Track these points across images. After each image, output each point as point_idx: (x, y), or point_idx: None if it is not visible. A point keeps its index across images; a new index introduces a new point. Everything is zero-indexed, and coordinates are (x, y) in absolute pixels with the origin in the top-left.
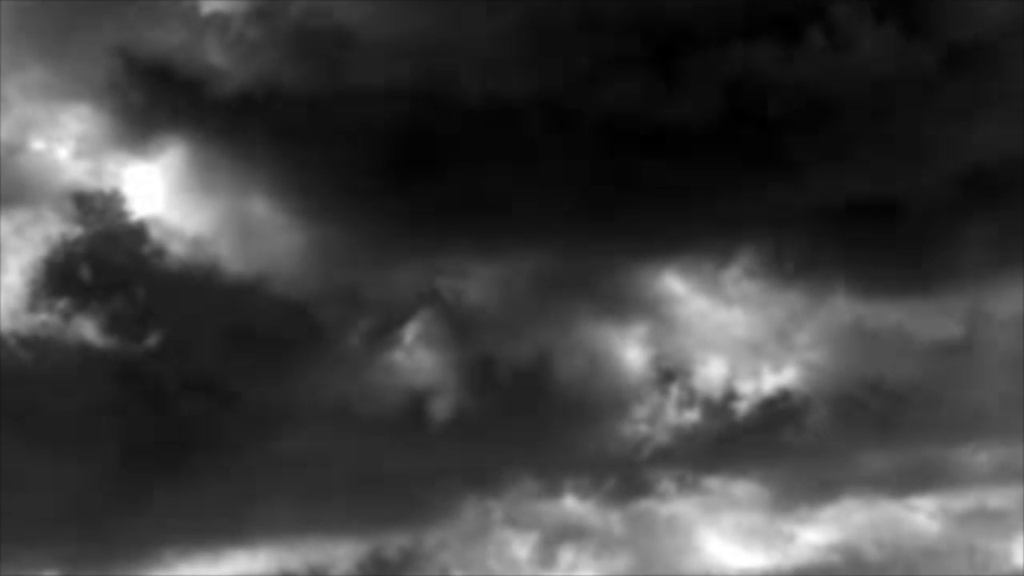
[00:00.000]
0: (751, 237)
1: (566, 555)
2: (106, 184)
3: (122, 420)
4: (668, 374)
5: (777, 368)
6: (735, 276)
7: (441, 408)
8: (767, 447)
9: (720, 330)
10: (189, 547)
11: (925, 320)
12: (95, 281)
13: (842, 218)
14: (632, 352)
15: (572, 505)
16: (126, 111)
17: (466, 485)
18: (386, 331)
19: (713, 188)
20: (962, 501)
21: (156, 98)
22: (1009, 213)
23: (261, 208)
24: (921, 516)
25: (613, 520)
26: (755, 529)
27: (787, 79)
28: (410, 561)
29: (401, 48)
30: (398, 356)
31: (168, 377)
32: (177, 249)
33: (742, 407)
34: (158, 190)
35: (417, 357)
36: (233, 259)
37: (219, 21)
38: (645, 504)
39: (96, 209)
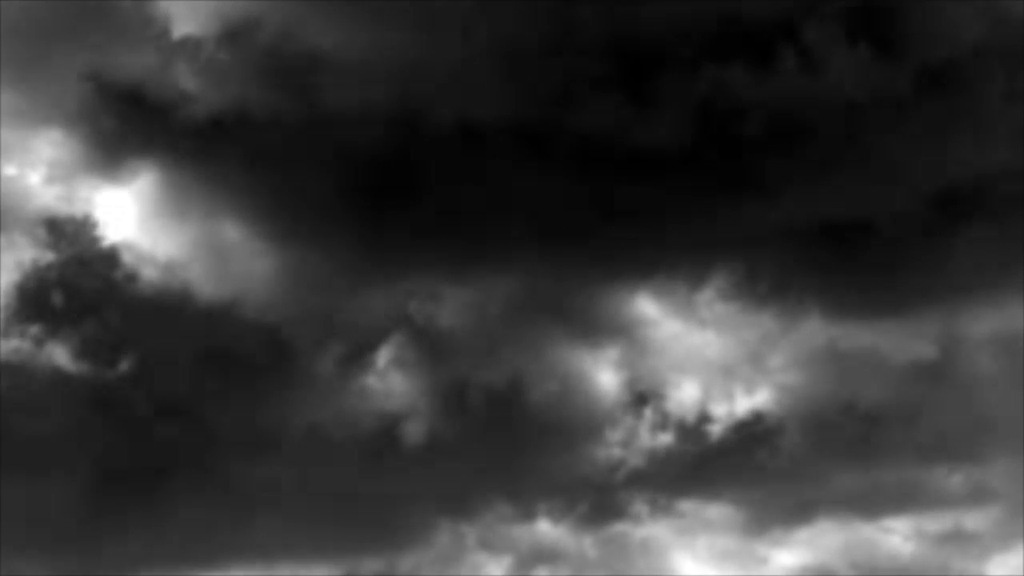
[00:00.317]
0: (724, 259)
1: None
2: (78, 209)
3: (95, 445)
4: (642, 397)
5: (751, 390)
6: (708, 299)
7: (414, 432)
8: (741, 470)
9: (693, 353)
10: (163, 571)
11: (899, 342)
12: (67, 306)
13: (815, 240)
14: (605, 375)
15: (546, 529)
16: (98, 136)
17: (440, 509)
18: (359, 355)
19: (686, 210)
20: (936, 523)
21: (128, 123)
22: (982, 234)
23: (233, 232)
24: (895, 538)
25: (587, 543)
26: (729, 552)
27: (760, 101)
28: None
29: (373, 72)
30: (371, 380)
31: (141, 402)
32: (149, 274)
33: (716, 430)
34: (130, 215)
35: (390, 381)
36: (205, 283)
37: (190, 46)
38: (619, 527)
39: (68, 234)
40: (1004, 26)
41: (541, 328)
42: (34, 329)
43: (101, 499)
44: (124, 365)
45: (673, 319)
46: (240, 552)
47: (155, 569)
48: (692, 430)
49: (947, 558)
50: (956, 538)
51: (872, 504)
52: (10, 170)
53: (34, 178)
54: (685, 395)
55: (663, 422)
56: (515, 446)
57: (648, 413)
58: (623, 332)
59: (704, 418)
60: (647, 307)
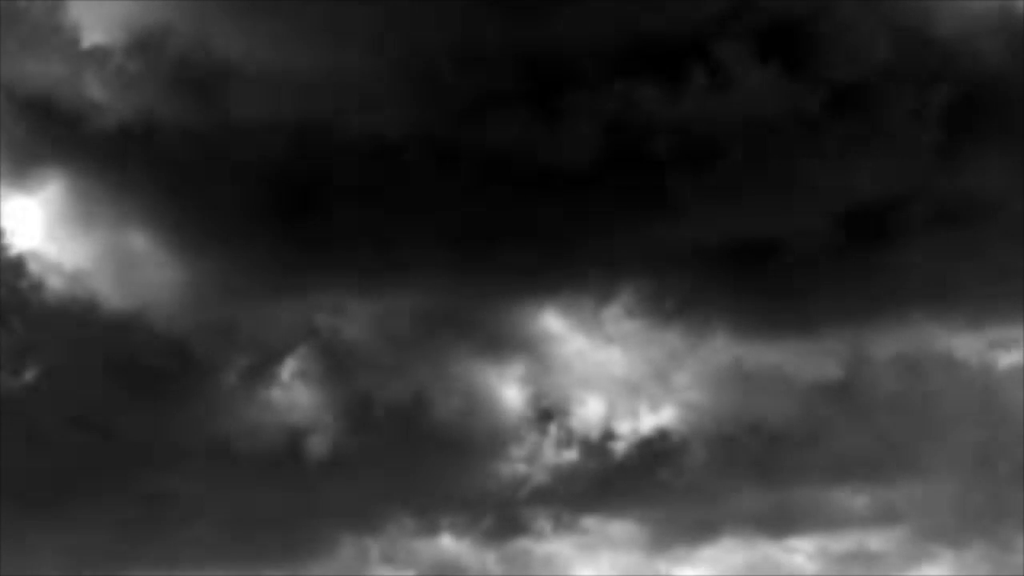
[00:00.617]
0: (631, 276)
1: None
2: None
3: None
4: (546, 413)
5: (656, 408)
6: (615, 315)
7: (318, 445)
8: (645, 487)
9: (599, 369)
10: None
11: (804, 361)
12: None
13: (723, 258)
14: (510, 391)
15: (449, 543)
16: (6, 145)
17: (343, 523)
18: (264, 368)
19: (594, 227)
20: (841, 542)
21: (36, 132)
22: (889, 255)
23: (140, 242)
24: (799, 557)
25: (490, 559)
26: (632, 569)
27: (669, 118)
28: None
29: (281, 82)
30: (275, 393)
31: (46, 412)
32: (56, 283)
33: (620, 447)
34: (37, 224)
35: (294, 394)
36: (112, 294)
37: (99, 55)
38: (522, 543)
39: None
40: (913, 46)
41: (446, 343)
42: None
43: (2, 509)
44: (29, 375)
45: (579, 335)
46: (141, 564)
47: None
48: (596, 447)
49: None
50: (860, 558)
51: (776, 523)
52: None
53: None
54: (590, 412)
55: (568, 438)
56: (419, 461)
57: (553, 429)
58: (528, 348)
59: (609, 435)
60: (553, 323)
